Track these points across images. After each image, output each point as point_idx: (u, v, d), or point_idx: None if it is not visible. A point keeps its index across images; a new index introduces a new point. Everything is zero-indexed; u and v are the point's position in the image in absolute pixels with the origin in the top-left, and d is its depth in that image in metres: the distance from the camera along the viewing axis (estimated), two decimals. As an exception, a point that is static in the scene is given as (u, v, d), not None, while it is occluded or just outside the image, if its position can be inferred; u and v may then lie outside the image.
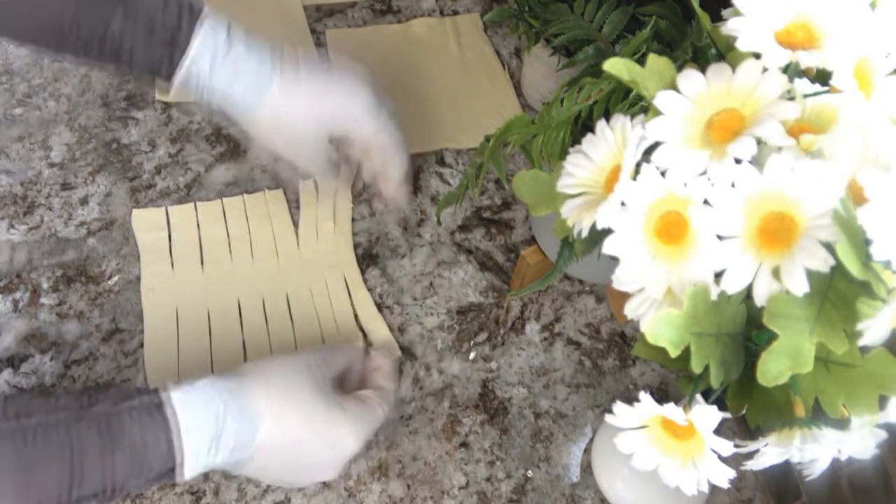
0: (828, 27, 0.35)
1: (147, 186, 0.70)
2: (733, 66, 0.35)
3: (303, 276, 0.66)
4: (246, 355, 0.62)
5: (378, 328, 0.64)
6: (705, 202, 0.33)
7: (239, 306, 0.64)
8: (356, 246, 0.69)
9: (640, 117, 0.37)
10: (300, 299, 0.65)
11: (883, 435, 0.36)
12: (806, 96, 0.35)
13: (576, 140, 0.45)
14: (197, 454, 0.45)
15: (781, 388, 0.34)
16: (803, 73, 0.36)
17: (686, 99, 0.35)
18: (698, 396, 0.37)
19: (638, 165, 0.34)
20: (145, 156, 0.72)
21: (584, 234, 0.36)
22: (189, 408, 0.45)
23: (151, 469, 0.44)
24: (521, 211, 0.73)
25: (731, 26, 0.34)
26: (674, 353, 0.33)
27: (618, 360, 0.65)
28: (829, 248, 0.30)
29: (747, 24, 0.34)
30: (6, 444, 0.41)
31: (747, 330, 0.36)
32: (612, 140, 0.37)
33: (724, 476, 0.36)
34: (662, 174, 0.34)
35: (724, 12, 0.37)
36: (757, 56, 0.34)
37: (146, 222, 0.67)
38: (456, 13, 0.87)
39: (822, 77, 0.35)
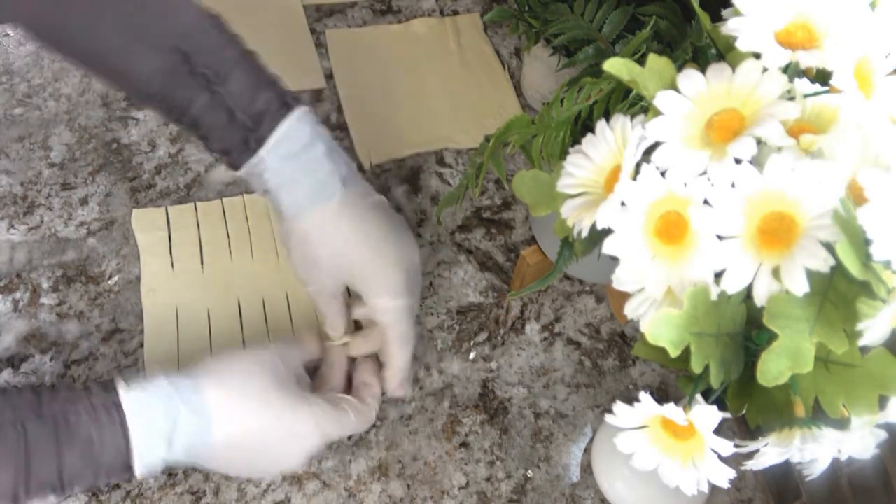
0: (828, 27, 0.34)
1: (147, 186, 0.70)
2: (733, 66, 0.35)
3: (303, 276, 0.66)
4: (246, 355, 0.62)
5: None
6: (705, 202, 0.33)
7: (239, 306, 0.64)
8: (356, 246, 0.69)
9: (640, 117, 0.37)
10: (300, 299, 0.65)
11: (883, 435, 0.36)
12: (806, 96, 0.35)
13: (576, 140, 0.45)
14: (148, 452, 0.45)
15: (781, 388, 0.34)
16: (803, 73, 0.36)
17: (686, 99, 0.35)
18: (698, 396, 0.37)
19: (638, 165, 0.34)
20: (145, 156, 0.72)
21: (584, 234, 0.36)
22: (140, 407, 0.46)
23: (103, 466, 0.45)
24: (521, 211, 0.73)
25: (731, 26, 0.34)
26: (674, 353, 0.33)
27: (618, 360, 0.65)
28: (829, 248, 0.30)
29: (747, 24, 0.34)
30: None
31: (747, 330, 0.36)
32: (612, 140, 0.37)
33: (724, 476, 0.36)
34: (662, 174, 0.34)
35: (724, 12, 0.37)
36: (757, 56, 0.34)
37: (146, 222, 0.67)
38: (456, 13, 0.87)
39: (822, 77, 0.35)
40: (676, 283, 0.34)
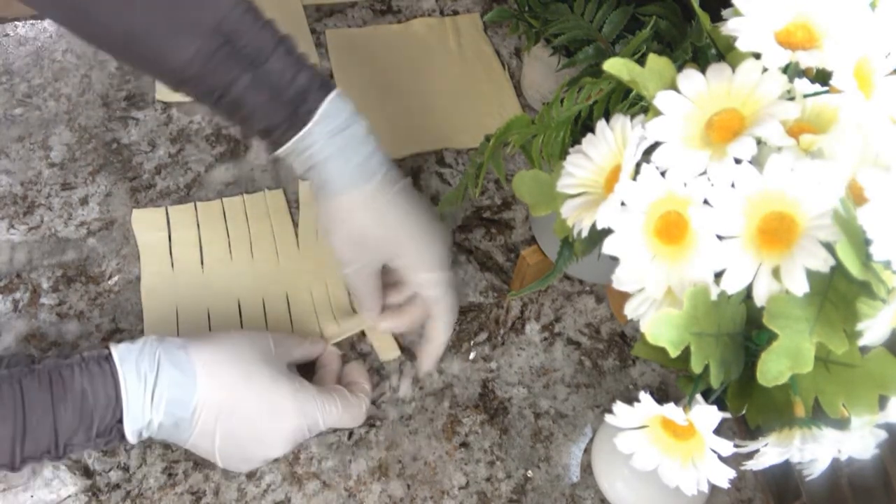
0: (828, 27, 0.34)
1: (147, 186, 0.70)
2: (733, 66, 0.35)
3: (303, 277, 0.66)
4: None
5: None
6: (705, 202, 0.33)
7: (239, 306, 0.64)
8: (356, 246, 0.69)
9: (640, 117, 0.37)
10: (300, 299, 0.65)
11: (883, 435, 0.36)
12: (806, 96, 0.35)
13: (576, 140, 0.45)
14: (136, 403, 0.47)
15: (781, 388, 0.34)
16: (803, 73, 0.36)
17: (686, 99, 0.35)
18: (698, 396, 0.37)
19: (638, 165, 0.34)
20: (145, 156, 0.72)
21: (584, 234, 0.36)
22: (128, 358, 0.48)
23: (96, 420, 0.46)
24: (521, 211, 0.73)
25: (731, 26, 0.34)
26: (674, 353, 0.33)
27: (618, 360, 0.65)
28: (829, 248, 0.30)
29: (747, 24, 0.34)
30: None
31: (747, 330, 0.36)
32: (612, 140, 0.37)
33: (724, 476, 0.36)
34: (662, 174, 0.34)
35: (724, 12, 0.37)
36: (757, 56, 0.34)
37: (146, 222, 0.67)
38: (456, 13, 0.87)
39: (822, 77, 0.35)
40: (676, 283, 0.34)
